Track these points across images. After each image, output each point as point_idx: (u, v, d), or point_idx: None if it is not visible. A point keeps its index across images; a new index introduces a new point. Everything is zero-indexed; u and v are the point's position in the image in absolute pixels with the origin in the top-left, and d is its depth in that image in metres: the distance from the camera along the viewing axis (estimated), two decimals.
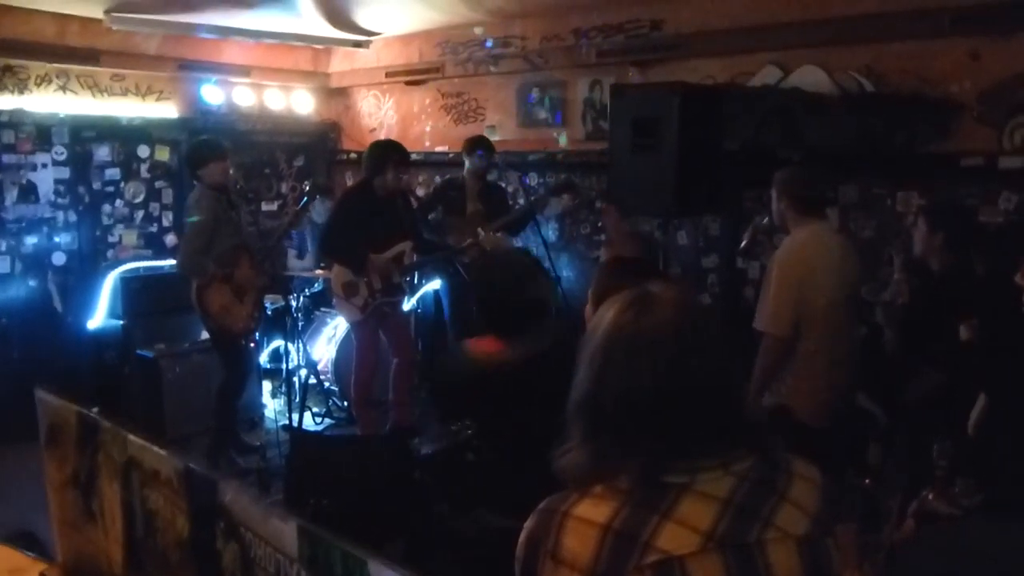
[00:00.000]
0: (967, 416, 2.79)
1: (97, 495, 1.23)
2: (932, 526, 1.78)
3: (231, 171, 4.97)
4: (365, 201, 4.86)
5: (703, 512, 1.12)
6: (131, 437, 1.10)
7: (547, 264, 5.42)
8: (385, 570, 0.75)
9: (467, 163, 5.47)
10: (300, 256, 6.08)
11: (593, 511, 1.13)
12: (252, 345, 5.16)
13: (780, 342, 3.11)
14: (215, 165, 4.70)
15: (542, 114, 6.04)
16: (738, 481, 1.16)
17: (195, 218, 4.64)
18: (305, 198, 5.56)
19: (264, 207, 7.03)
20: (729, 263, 5.06)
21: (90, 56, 5.87)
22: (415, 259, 5.12)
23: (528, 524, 1.19)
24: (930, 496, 1.90)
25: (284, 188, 7.26)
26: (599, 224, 5.76)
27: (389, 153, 4.89)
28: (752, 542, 1.12)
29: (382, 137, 6.95)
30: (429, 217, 5.50)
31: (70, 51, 5.78)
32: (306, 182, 6.57)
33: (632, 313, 1.19)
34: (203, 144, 4.87)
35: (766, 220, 3.91)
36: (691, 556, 1.08)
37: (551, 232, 5.92)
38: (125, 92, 6.26)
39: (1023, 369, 2.55)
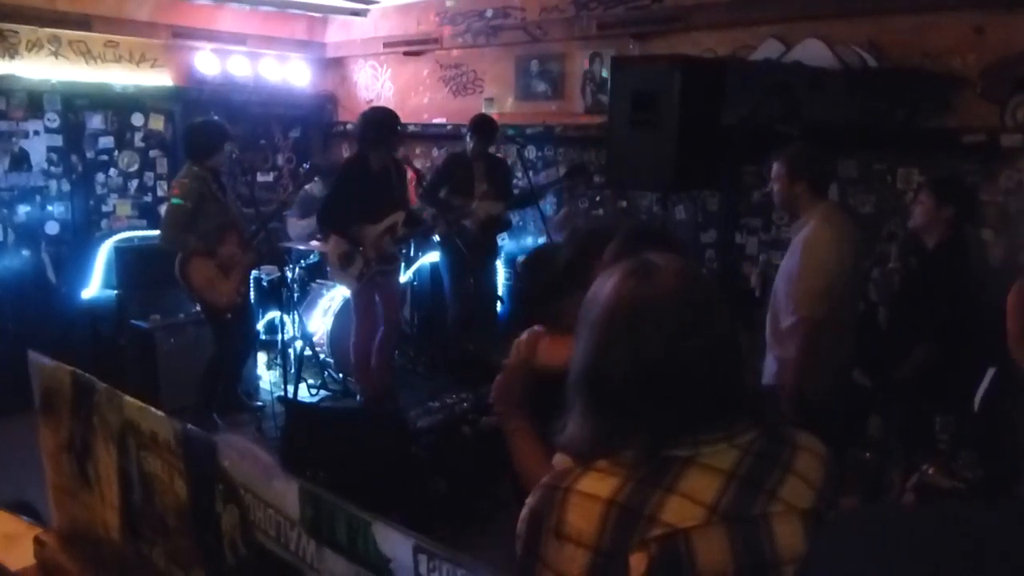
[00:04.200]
0: (965, 391, 2.79)
1: (92, 460, 1.21)
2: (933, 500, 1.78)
3: (232, 152, 4.92)
4: (360, 173, 4.86)
5: (707, 485, 1.11)
6: (127, 399, 1.08)
7: (545, 239, 5.40)
8: (390, 532, 0.73)
9: (468, 141, 5.45)
10: (303, 217, 6.03)
11: (596, 486, 1.11)
12: (249, 319, 5.15)
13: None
14: (220, 153, 4.72)
15: (541, 87, 5.98)
16: (742, 454, 1.15)
17: (178, 201, 4.60)
18: (303, 181, 5.55)
19: (260, 178, 6.97)
20: (727, 238, 5.04)
21: (82, 22, 5.77)
22: (408, 229, 5.12)
23: (530, 500, 1.17)
24: (930, 470, 1.89)
25: (280, 160, 7.19)
26: (597, 199, 5.73)
27: (377, 124, 4.84)
28: (757, 515, 1.11)
29: None
30: (440, 195, 5.46)
31: (61, 16, 5.68)
32: (304, 164, 6.48)
33: (633, 282, 1.16)
34: (209, 132, 4.76)
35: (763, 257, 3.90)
36: (695, 529, 1.07)
37: (549, 206, 5.89)
38: (118, 59, 6.17)
39: None
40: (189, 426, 1.01)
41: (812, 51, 4.58)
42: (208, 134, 4.74)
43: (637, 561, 1.04)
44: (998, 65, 3.97)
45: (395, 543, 0.73)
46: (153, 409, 1.05)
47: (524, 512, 1.16)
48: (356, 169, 4.93)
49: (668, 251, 1.31)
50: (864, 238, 3.62)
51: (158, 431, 1.04)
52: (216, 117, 5.02)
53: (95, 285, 5.92)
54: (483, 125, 5.45)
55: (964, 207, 3.36)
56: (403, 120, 5.10)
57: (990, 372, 2.12)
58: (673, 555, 1.05)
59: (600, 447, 1.16)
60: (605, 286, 1.19)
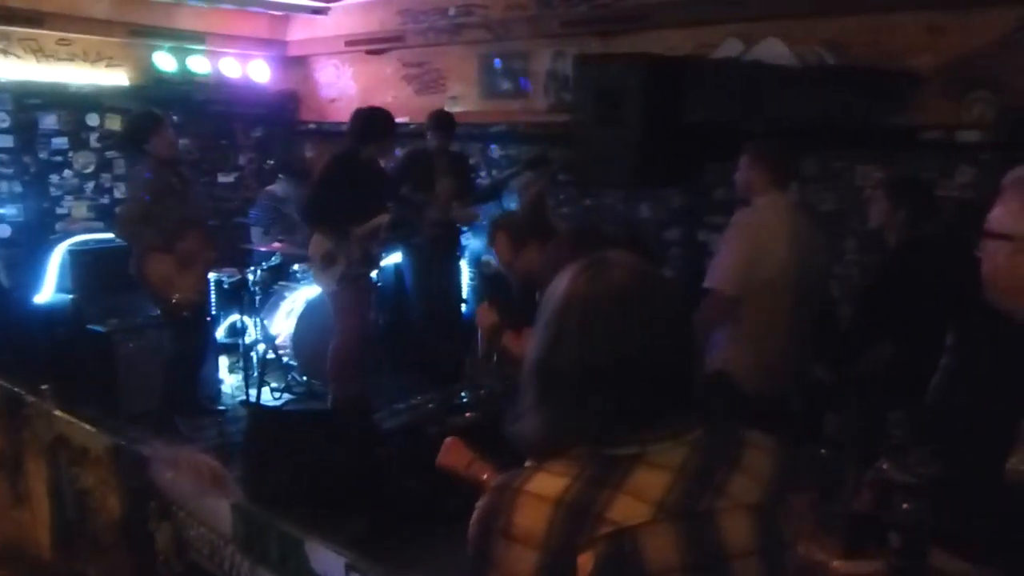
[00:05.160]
0: (923, 388, 2.81)
1: (24, 476, 1.16)
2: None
3: (173, 140, 4.81)
4: (351, 170, 4.80)
5: (654, 482, 1.11)
6: (56, 413, 1.03)
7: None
8: (321, 549, 0.71)
9: (429, 137, 5.45)
10: (265, 232, 5.93)
11: (544, 486, 1.11)
12: (207, 319, 5.06)
13: (723, 300, 3.08)
14: (157, 138, 4.58)
15: (504, 85, 5.96)
16: (689, 450, 1.15)
17: (131, 194, 4.56)
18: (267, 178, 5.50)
19: (220, 179, 6.86)
20: (691, 236, 5.06)
21: (33, 18, 5.63)
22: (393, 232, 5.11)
23: (480, 503, 1.17)
24: (885, 465, 1.90)
25: (242, 160, 7.09)
26: (561, 196, 5.72)
27: (380, 122, 4.84)
28: (703, 511, 1.12)
29: (342, 107, 6.84)
30: (400, 192, 5.44)
31: (11, 12, 5.53)
32: (268, 160, 6.40)
33: (586, 278, 1.18)
34: (138, 118, 4.74)
35: None
36: (642, 527, 1.07)
37: (514, 206, 5.86)
38: (72, 58, 6.03)
39: (987, 341, 2.57)
40: (121, 441, 0.97)
41: (772, 50, 4.62)
42: (135, 122, 4.73)
43: (585, 561, 1.04)
44: (954, 63, 4.03)
45: (327, 561, 0.70)
46: (84, 424, 1.01)
47: (474, 515, 1.16)
48: (345, 165, 4.85)
49: (622, 248, 1.32)
50: (824, 235, 3.64)
51: (90, 446, 1.00)
52: (174, 116, 4.94)
53: (49, 289, 5.79)
54: (442, 120, 5.46)
55: (919, 209, 3.40)
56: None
57: (942, 364, 2.14)
58: (619, 553, 1.06)
59: (550, 442, 1.16)
60: (562, 281, 1.21)
